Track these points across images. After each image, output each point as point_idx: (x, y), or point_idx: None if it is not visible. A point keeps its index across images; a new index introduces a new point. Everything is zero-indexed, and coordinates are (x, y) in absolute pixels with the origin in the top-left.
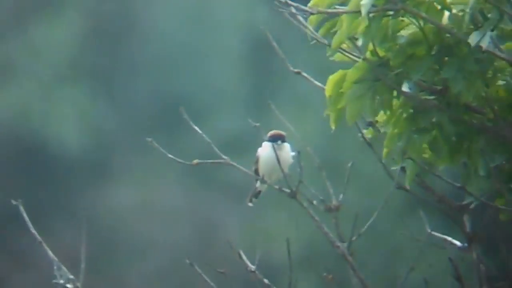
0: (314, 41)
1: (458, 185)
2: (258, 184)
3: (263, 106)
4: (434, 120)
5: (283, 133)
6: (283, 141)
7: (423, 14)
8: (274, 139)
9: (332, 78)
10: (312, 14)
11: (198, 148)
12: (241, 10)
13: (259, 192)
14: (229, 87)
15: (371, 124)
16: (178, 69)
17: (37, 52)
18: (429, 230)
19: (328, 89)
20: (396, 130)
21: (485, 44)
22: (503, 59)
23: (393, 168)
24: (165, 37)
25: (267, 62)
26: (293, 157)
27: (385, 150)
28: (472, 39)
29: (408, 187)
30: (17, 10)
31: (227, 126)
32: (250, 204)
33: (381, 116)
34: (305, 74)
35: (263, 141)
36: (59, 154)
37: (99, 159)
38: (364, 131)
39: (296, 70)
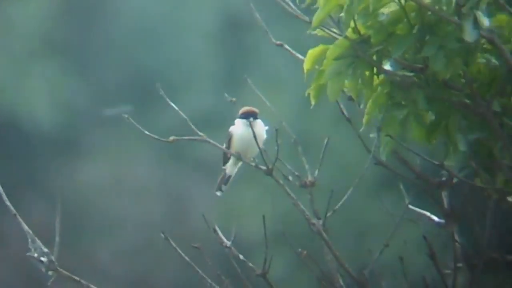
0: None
1: (437, 162)
2: (228, 169)
3: (237, 81)
4: (410, 98)
5: (255, 109)
6: (255, 117)
7: None
8: (246, 115)
9: (312, 53)
10: None
11: (171, 124)
12: None
13: (229, 177)
14: (203, 63)
15: (351, 99)
16: (151, 44)
17: (9, 27)
18: (407, 203)
19: (307, 63)
20: (374, 105)
21: (484, 32)
22: (484, 36)
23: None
24: (138, 12)
25: (241, 37)
26: (267, 132)
27: (365, 118)
28: (468, 34)
29: (384, 160)
30: None
31: (201, 102)
32: (218, 193)
33: (361, 92)
34: (287, 47)
35: (236, 118)
36: (30, 129)
37: (71, 135)
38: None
39: (278, 42)
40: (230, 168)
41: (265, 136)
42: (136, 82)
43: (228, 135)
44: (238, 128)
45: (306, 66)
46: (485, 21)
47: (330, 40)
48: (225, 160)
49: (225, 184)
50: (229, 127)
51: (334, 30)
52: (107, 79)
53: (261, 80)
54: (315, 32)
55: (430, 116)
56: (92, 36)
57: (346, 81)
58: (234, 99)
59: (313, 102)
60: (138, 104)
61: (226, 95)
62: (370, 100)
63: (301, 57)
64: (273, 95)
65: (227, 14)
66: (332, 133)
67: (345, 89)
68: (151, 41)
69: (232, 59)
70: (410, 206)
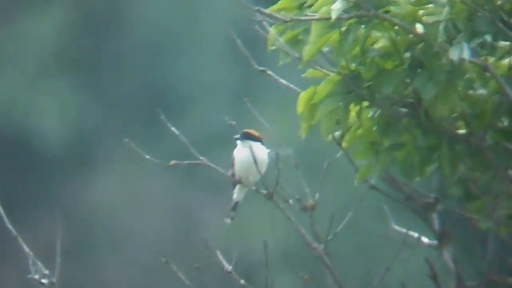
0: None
1: (434, 196)
2: (234, 195)
3: (244, 103)
4: (406, 133)
5: (255, 132)
6: (254, 140)
7: (396, 20)
8: (242, 137)
9: (304, 95)
10: (285, 21)
11: (179, 142)
12: (224, 5)
13: (237, 203)
14: (213, 81)
15: (340, 145)
16: (161, 63)
17: (22, 43)
18: (393, 226)
19: (300, 106)
20: (366, 142)
21: (467, 56)
22: (477, 64)
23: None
24: (149, 30)
25: (252, 55)
26: (269, 155)
27: (353, 155)
28: (452, 53)
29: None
30: (2, 1)
31: (210, 120)
32: (228, 221)
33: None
34: (270, 72)
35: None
36: (40, 146)
37: (80, 152)
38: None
39: (260, 68)
40: (238, 193)
41: (267, 160)
42: (146, 99)
43: (231, 159)
44: (239, 152)
45: (299, 109)
46: (467, 54)
47: (320, 81)
48: (234, 185)
49: (234, 210)
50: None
51: (324, 69)
52: (117, 97)
53: (267, 102)
54: (304, 75)
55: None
56: (103, 53)
57: (338, 118)
58: (234, 122)
59: (303, 135)
60: (148, 121)
61: (226, 118)
62: (360, 141)
63: (284, 82)
64: (279, 118)
65: (238, 32)
66: (334, 156)
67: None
68: (160, 59)
69: (242, 79)
70: (395, 227)
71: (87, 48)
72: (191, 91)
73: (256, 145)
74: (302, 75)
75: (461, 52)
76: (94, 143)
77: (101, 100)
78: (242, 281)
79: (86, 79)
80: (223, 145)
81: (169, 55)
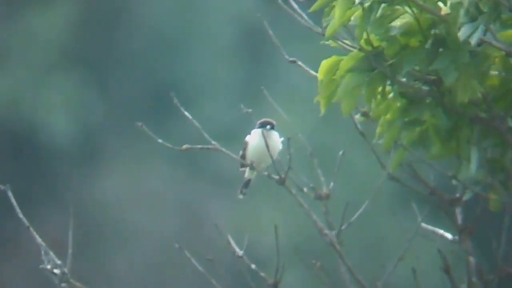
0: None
1: (450, 174)
2: (246, 173)
3: (254, 94)
4: (427, 112)
5: (273, 121)
6: (272, 127)
7: (420, 2)
8: (263, 125)
9: (326, 63)
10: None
11: (188, 136)
12: None
13: (249, 181)
14: (221, 74)
15: (365, 114)
16: (169, 56)
17: (29, 40)
18: (420, 222)
19: (321, 73)
20: (388, 118)
21: (473, 41)
22: (500, 49)
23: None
24: (156, 24)
25: (258, 50)
26: (282, 143)
27: (378, 130)
28: (462, 33)
29: (396, 174)
30: None
31: (218, 113)
32: (241, 197)
33: (374, 106)
34: (300, 63)
35: (253, 129)
36: (48, 141)
37: (87, 147)
38: (356, 116)
39: (291, 58)
40: (248, 172)
41: (280, 147)
42: (153, 93)
43: (244, 144)
44: (254, 138)
45: (320, 76)
46: (476, 37)
47: (342, 52)
48: (241, 164)
49: (246, 187)
50: (244, 139)
51: (347, 42)
52: (124, 91)
53: (279, 92)
54: (328, 42)
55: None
56: (110, 49)
57: (361, 95)
58: (250, 110)
59: (322, 111)
60: (156, 116)
61: (242, 106)
62: (383, 116)
63: (314, 73)
64: (291, 108)
65: (244, 26)
66: (349, 146)
67: (360, 104)
68: (169, 53)
69: (251, 72)
70: (423, 225)
71: (93, 43)
72: (198, 86)
73: (273, 133)
74: (321, 42)
75: (472, 33)
76: (102, 137)
77: (108, 95)
78: (253, 266)
79: (93, 74)
80: (230, 140)
81: (175, 51)
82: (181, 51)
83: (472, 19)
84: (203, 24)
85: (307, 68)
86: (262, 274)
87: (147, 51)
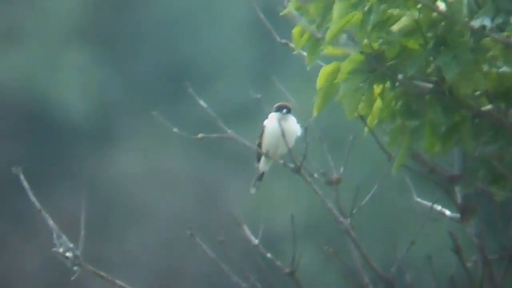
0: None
1: (457, 173)
2: (261, 165)
3: (267, 77)
4: (428, 110)
5: (289, 104)
6: (289, 111)
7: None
8: (279, 108)
9: (325, 70)
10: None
11: (203, 116)
12: None
13: (262, 174)
14: (236, 55)
15: (362, 118)
16: (184, 37)
17: (44, 17)
18: (432, 204)
19: (320, 81)
20: (385, 112)
21: (488, 23)
22: (505, 42)
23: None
24: (171, 4)
25: (275, 29)
26: (300, 129)
27: (369, 118)
28: (474, 23)
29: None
30: None
31: (232, 95)
32: (253, 191)
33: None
34: (292, 45)
35: (269, 112)
36: (62, 120)
37: (102, 126)
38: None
39: (283, 41)
40: (263, 165)
41: (298, 132)
42: (169, 73)
43: (261, 129)
44: (270, 122)
45: (318, 83)
46: (488, 21)
47: (341, 59)
48: (258, 157)
49: (259, 180)
50: (259, 121)
51: (346, 47)
52: (140, 71)
53: (292, 76)
54: (325, 51)
55: (442, 127)
56: (126, 27)
57: (362, 97)
58: (259, 96)
59: (315, 113)
60: (172, 96)
61: (251, 92)
62: (383, 116)
63: (304, 53)
64: (304, 92)
65: (260, 6)
66: (358, 130)
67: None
68: (183, 34)
69: (265, 54)
70: (418, 200)
71: (109, 21)
72: (213, 65)
73: (290, 117)
74: (322, 53)
75: (482, 20)
76: (117, 116)
77: (124, 73)
78: (269, 255)
79: (108, 52)
80: (245, 120)
81: (191, 29)
82: (198, 29)
83: (473, 15)
84: (218, 5)
85: (300, 51)
86: (278, 263)
87: (163, 29)
